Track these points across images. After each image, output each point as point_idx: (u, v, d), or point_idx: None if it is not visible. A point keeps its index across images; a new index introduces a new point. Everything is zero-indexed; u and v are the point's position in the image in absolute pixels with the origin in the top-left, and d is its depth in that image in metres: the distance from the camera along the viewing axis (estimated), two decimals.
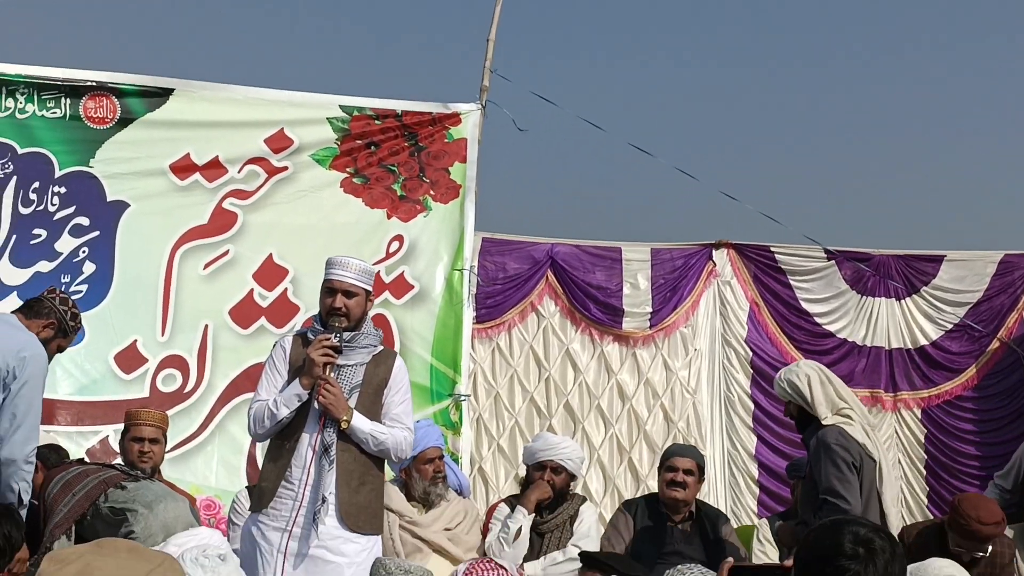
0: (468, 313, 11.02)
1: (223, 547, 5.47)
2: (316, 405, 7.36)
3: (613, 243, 12.18)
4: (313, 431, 7.40)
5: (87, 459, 9.29)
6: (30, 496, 7.46)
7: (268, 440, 7.60)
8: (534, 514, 8.97)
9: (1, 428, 7.39)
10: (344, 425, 7.34)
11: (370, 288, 7.62)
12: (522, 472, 9.93)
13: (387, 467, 7.74)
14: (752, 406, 11.95)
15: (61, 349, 7.86)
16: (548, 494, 9.00)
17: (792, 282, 12.13)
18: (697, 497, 9.22)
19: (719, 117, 32.02)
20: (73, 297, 10.38)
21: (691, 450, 9.57)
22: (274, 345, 7.86)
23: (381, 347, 7.73)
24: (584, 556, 7.24)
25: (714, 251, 12.15)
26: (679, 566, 5.59)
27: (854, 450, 8.24)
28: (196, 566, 5.10)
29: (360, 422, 7.40)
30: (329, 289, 7.52)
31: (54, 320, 7.73)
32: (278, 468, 7.44)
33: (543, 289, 11.89)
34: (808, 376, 8.35)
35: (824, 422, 8.25)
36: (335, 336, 7.40)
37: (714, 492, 11.52)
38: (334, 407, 7.31)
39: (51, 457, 8.93)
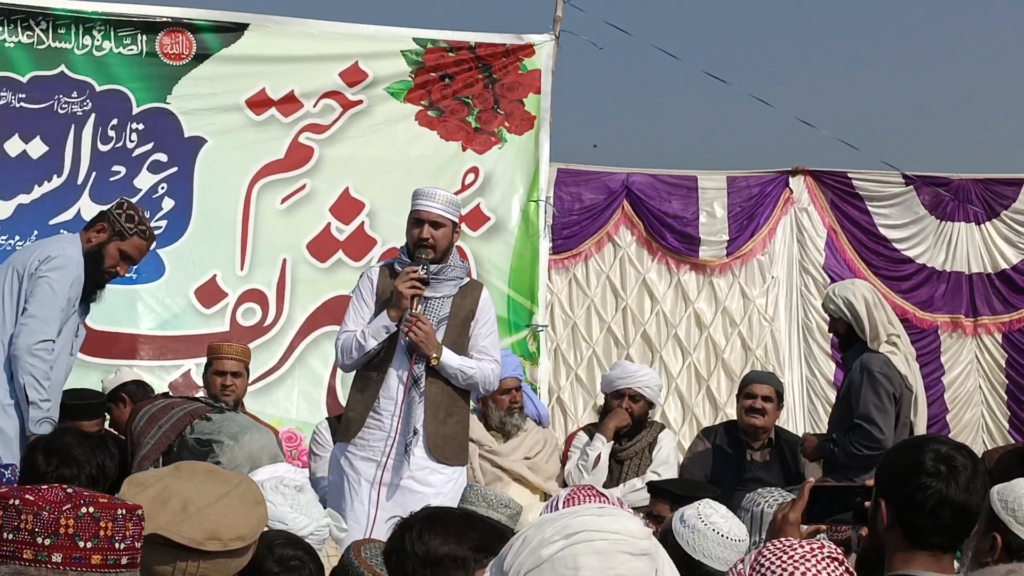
0: (544, 244, 11.03)
1: (301, 480, 5.53)
2: (403, 340, 7.40)
3: (689, 172, 12.12)
4: (402, 363, 7.44)
5: (171, 393, 9.41)
6: (42, 396, 7.51)
7: (355, 371, 7.67)
8: (613, 442, 9.00)
9: (15, 321, 7.51)
10: (434, 362, 7.37)
11: (457, 219, 7.63)
12: (600, 401, 9.96)
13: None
14: (830, 333, 11.89)
15: (127, 256, 7.77)
16: (626, 422, 9.02)
17: (870, 208, 12.03)
18: (776, 424, 9.22)
19: (793, 43, 31.74)
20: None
21: (770, 377, 9.56)
22: (361, 276, 7.91)
23: (467, 279, 7.76)
24: (651, 487, 7.25)
25: (791, 178, 12.06)
26: (758, 490, 5.59)
27: (896, 381, 8.24)
28: (276, 493, 5.15)
29: (449, 358, 7.43)
30: (416, 220, 7.53)
31: (104, 223, 7.74)
32: (365, 399, 7.49)
33: (619, 219, 11.86)
34: (865, 297, 8.33)
35: (871, 345, 8.25)
36: (422, 268, 7.41)
37: (793, 420, 11.49)
38: (424, 344, 7.34)
39: (136, 392, 9.03)
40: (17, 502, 2.22)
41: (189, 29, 10.69)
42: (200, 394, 9.59)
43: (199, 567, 3.18)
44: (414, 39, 11.01)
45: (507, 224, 10.99)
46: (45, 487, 2.26)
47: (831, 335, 8.80)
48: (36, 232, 10.35)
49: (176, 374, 10.42)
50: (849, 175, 12.08)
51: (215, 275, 10.61)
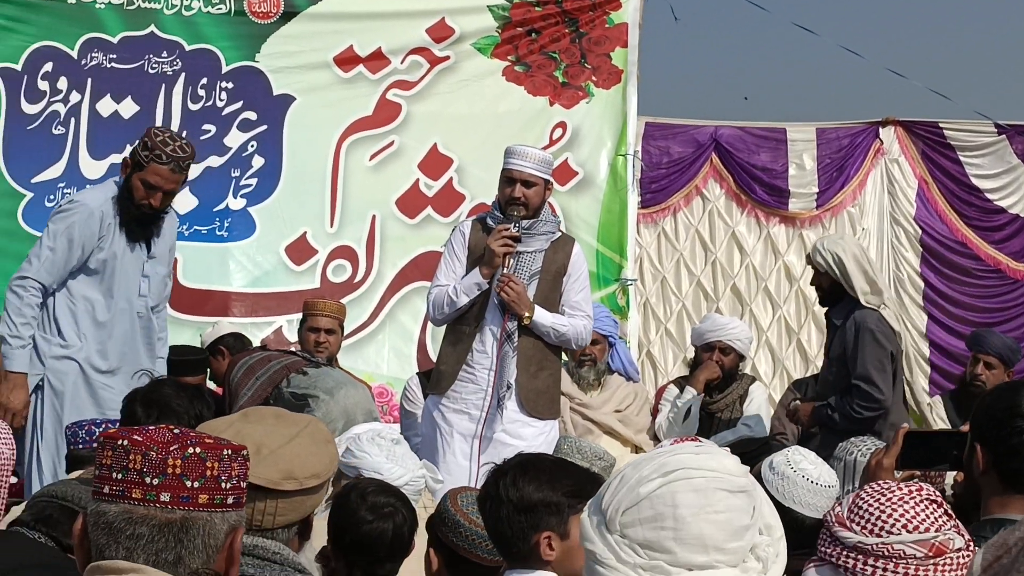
0: (633, 198, 11.01)
1: (397, 434, 5.59)
2: (495, 298, 7.45)
3: (778, 124, 12.05)
4: (495, 319, 7.50)
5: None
6: (10, 332, 7.40)
7: (446, 325, 7.72)
8: (703, 394, 9.01)
9: None
10: (526, 321, 7.42)
11: (549, 177, 7.65)
12: (690, 355, 9.96)
13: None
14: (922, 284, 11.79)
15: (150, 185, 7.41)
16: (717, 374, 9.03)
17: (962, 158, 11.90)
18: None
19: None
20: (243, 191, 10.63)
21: None
22: (453, 230, 7.96)
23: (559, 233, 7.78)
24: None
25: (881, 129, 11.95)
26: (851, 439, 5.58)
27: (892, 340, 8.09)
28: (372, 444, 5.21)
29: (541, 317, 7.47)
30: (508, 179, 7.56)
31: (127, 158, 7.62)
32: (458, 352, 7.56)
33: (708, 172, 11.81)
34: (854, 253, 8.13)
35: (866, 302, 8.02)
36: (514, 225, 7.44)
37: None
38: (516, 304, 7.40)
39: (234, 344, 9.13)
40: (126, 442, 2.26)
41: None
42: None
43: (277, 506, 3.24)
44: None
45: (595, 179, 10.98)
46: (152, 427, 2.30)
47: (813, 287, 8.51)
48: None
49: (268, 331, 10.51)
50: (940, 125, 11.95)
51: (305, 232, 10.69)
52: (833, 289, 8.10)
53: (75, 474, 5.06)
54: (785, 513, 4.84)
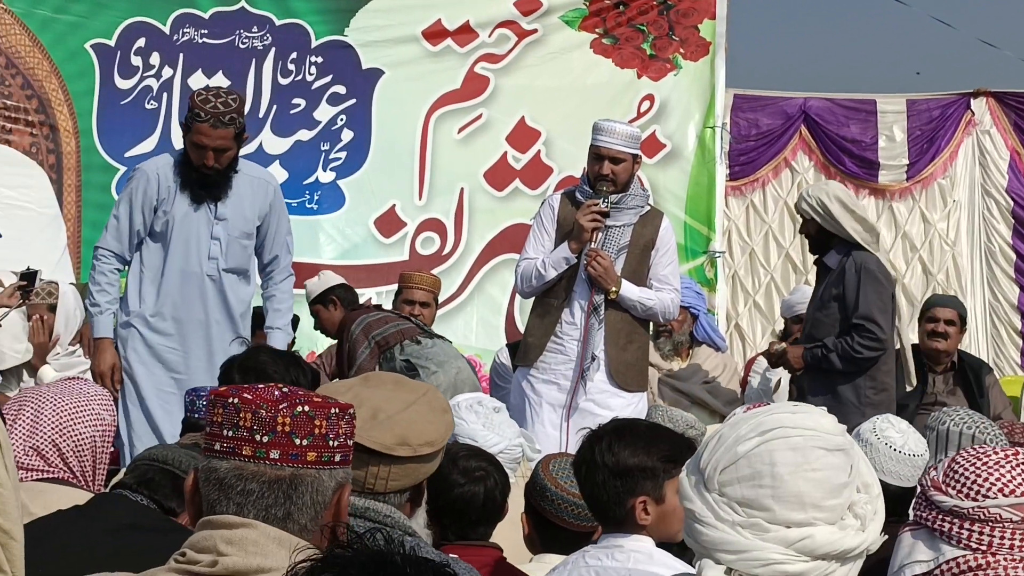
0: (721, 170, 10.98)
1: (497, 403, 5.62)
2: (583, 273, 7.48)
3: (867, 95, 11.98)
4: (583, 292, 7.53)
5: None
6: (90, 301, 7.50)
7: (534, 297, 7.77)
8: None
9: None
10: (613, 295, 7.45)
11: (637, 152, 7.65)
12: (779, 327, 9.93)
13: None
14: (1014, 256, 11.70)
15: (197, 145, 7.30)
16: None
17: None
18: (959, 348, 9.11)
19: None
20: (332, 164, 10.71)
21: (952, 300, 9.44)
22: (542, 203, 7.99)
23: (648, 207, 7.79)
24: None
25: (972, 100, 11.86)
26: (944, 409, 5.56)
27: (891, 281, 8.04)
28: (470, 412, 5.25)
29: (628, 290, 7.50)
30: (596, 156, 7.56)
31: (181, 123, 7.57)
32: (546, 324, 7.60)
33: (797, 144, 11.78)
34: (839, 198, 8.06)
35: (859, 240, 7.95)
36: (602, 201, 7.45)
37: (976, 345, 11.34)
38: (603, 279, 7.43)
39: (345, 296, 9.13)
40: (236, 400, 2.30)
41: None
42: None
43: (389, 472, 3.27)
44: None
45: (683, 151, 10.96)
46: (261, 386, 2.35)
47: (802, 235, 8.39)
48: None
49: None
50: None
51: (394, 205, 10.75)
52: (821, 235, 8.05)
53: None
54: None
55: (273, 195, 7.67)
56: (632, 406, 7.50)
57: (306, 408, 2.31)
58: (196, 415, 5.77)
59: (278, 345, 7.38)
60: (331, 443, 2.33)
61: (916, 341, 9.22)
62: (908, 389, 8.70)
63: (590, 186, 7.58)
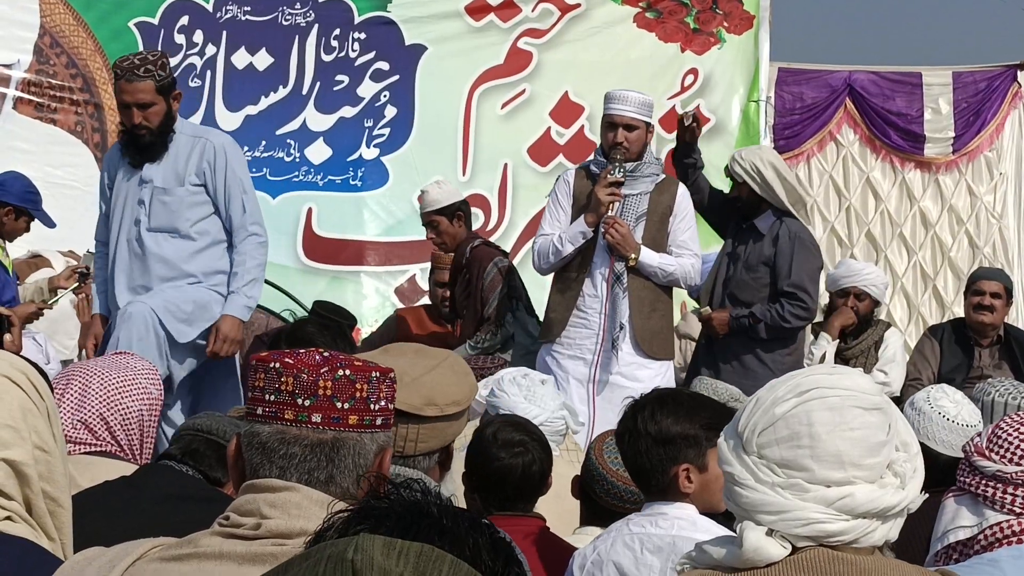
0: (766, 144, 10.94)
1: (544, 376, 5.65)
2: (603, 241, 7.50)
3: (913, 68, 11.91)
4: (603, 262, 7.56)
5: (396, 299, 9.65)
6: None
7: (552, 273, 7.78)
8: (838, 340, 8.96)
9: None
10: (632, 262, 7.48)
11: (650, 120, 7.71)
12: (824, 301, 9.89)
13: None
14: None
15: (122, 104, 7.12)
16: (852, 320, 8.97)
17: None
18: (1005, 321, 9.07)
19: None
20: (376, 141, 10.72)
21: (999, 273, 9.40)
22: (557, 179, 8.01)
23: (663, 175, 7.81)
24: None
25: (1019, 72, 11.77)
26: (989, 379, 5.54)
27: (820, 252, 8.14)
28: (512, 384, 5.27)
29: (648, 257, 7.52)
30: (610, 124, 7.63)
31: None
32: (567, 299, 7.62)
33: (841, 118, 11.72)
34: (772, 163, 8.06)
35: (795, 211, 7.99)
36: (617, 170, 7.48)
37: (1022, 318, 11.27)
38: (622, 246, 7.45)
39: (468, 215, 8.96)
40: (278, 365, 2.32)
41: None
42: (425, 300, 9.77)
43: (419, 432, 3.31)
44: None
45: (727, 125, 10.94)
46: (303, 351, 2.37)
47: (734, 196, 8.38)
48: (264, 143, 10.63)
49: (402, 279, 10.63)
50: None
51: (438, 181, 10.75)
52: (751, 199, 8.05)
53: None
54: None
55: (214, 153, 7.23)
56: (660, 376, 7.54)
57: (347, 372, 2.33)
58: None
59: (234, 311, 7.08)
60: (372, 407, 2.35)
61: (962, 314, 9.20)
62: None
63: (604, 156, 7.62)
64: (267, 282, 9.78)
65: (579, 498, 4.46)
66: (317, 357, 2.35)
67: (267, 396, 2.32)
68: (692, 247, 7.73)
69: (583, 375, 7.52)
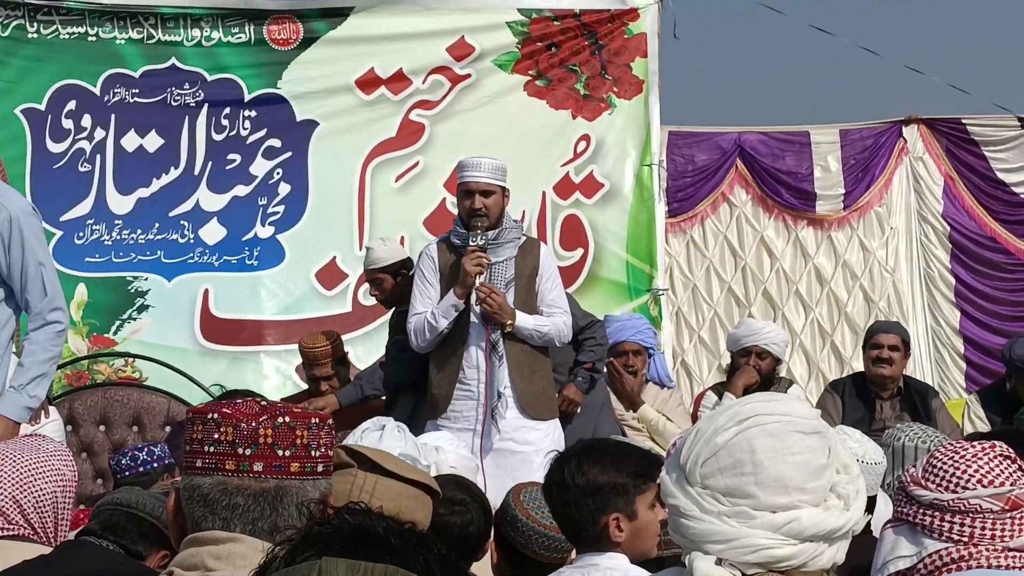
0: (660, 208, 10.99)
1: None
2: (476, 310, 7.51)
3: (801, 127, 12.07)
4: (479, 333, 7.60)
5: (297, 378, 9.54)
6: None
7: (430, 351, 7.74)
8: None
9: None
10: (509, 328, 7.51)
11: (505, 184, 7.79)
12: (725, 361, 9.96)
13: None
14: (953, 281, 11.80)
15: None
16: (755, 379, 9.01)
17: (986, 153, 11.90)
18: (904, 373, 9.17)
19: None
20: (271, 219, 10.65)
21: (895, 326, 9.51)
22: (420, 255, 7.98)
23: (524, 237, 7.86)
24: None
25: (904, 128, 11.97)
26: (898, 425, 5.60)
27: None
28: (367, 435, 5.08)
29: (523, 320, 7.59)
30: (466, 192, 7.67)
31: None
32: (448, 374, 7.64)
33: (733, 178, 11.84)
34: None
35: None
36: (479, 238, 7.50)
37: (920, 370, 11.41)
38: (499, 314, 7.48)
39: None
40: (216, 416, 2.28)
41: (296, 16, 10.80)
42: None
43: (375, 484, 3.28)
44: (519, 10, 11.00)
45: (621, 190, 10.98)
46: (239, 401, 2.33)
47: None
48: (157, 225, 10.52)
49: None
50: (963, 121, 11.97)
51: (335, 257, 10.71)
52: None
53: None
54: None
55: (9, 223, 6.09)
56: (550, 436, 7.64)
57: (287, 419, 2.30)
58: (125, 474, 5.71)
59: (9, 412, 6.00)
60: (313, 453, 2.32)
61: (862, 368, 9.29)
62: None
63: (463, 226, 7.63)
64: (166, 365, 9.77)
65: (497, 546, 4.40)
66: (255, 406, 2.32)
67: (206, 448, 2.28)
68: (561, 304, 7.81)
69: (471, 445, 7.50)
